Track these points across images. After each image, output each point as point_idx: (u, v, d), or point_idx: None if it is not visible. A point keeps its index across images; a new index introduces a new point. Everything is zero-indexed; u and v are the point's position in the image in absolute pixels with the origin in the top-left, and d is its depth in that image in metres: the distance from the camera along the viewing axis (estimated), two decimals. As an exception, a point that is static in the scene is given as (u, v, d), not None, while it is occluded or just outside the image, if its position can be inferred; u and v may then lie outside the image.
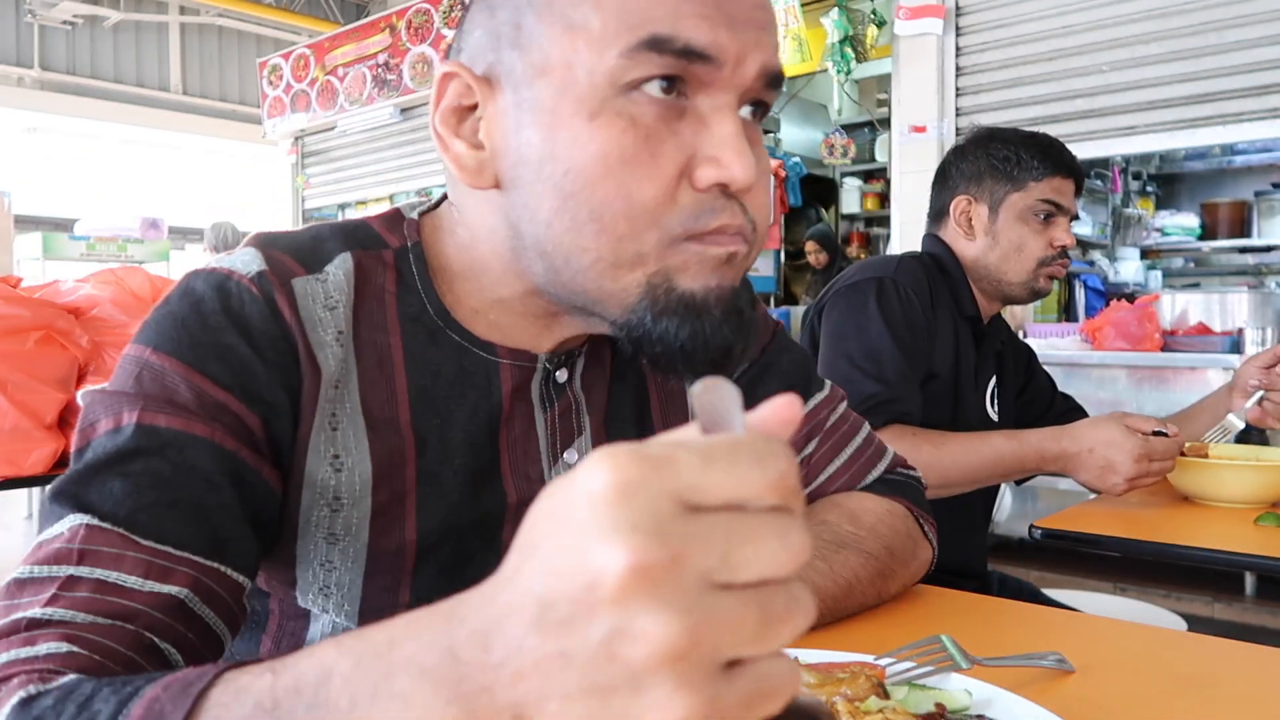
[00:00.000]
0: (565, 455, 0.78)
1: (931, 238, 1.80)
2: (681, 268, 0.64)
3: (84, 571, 0.55)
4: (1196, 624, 2.66)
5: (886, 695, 0.60)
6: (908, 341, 1.58)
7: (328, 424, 0.69)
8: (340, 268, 0.71)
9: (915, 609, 0.91)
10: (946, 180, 1.79)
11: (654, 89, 0.62)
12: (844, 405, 0.97)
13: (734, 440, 0.31)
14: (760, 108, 0.68)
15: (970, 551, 1.71)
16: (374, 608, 0.72)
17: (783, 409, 0.33)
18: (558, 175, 0.63)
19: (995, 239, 1.70)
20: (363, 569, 0.72)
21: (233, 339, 0.65)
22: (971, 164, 1.74)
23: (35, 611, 0.53)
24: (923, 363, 1.61)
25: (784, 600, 0.31)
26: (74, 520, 0.57)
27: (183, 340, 0.64)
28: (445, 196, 0.78)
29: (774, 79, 0.66)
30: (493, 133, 0.67)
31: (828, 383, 0.97)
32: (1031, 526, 1.43)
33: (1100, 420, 1.49)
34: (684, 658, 0.29)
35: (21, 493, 5.39)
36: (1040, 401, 1.93)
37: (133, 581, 0.56)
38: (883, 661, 0.67)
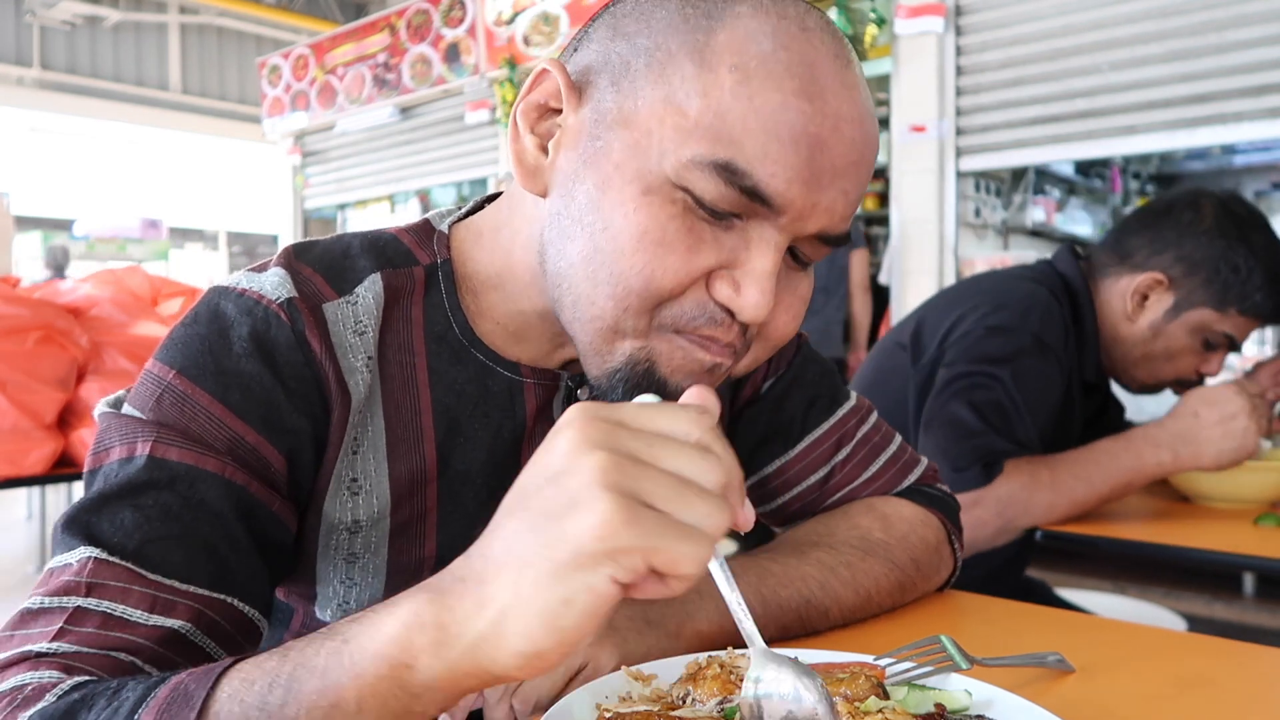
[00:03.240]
0: None
1: (1075, 265, 1.58)
2: (667, 355, 0.65)
3: (91, 604, 0.56)
4: (1196, 624, 2.66)
5: (886, 695, 0.60)
6: (1037, 407, 1.45)
7: (350, 448, 0.69)
8: (370, 290, 0.71)
9: (915, 609, 0.90)
10: (1160, 231, 1.52)
11: (701, 209, 0.61)
12: (875, 416, 0.97)
13: (661, 403, 0.47)
14: (804, 256, 0.67)
15: (1019, 565, 1.68)
16: None
17: (693, 395, 0.48)
18: (596, 228, 0.63)
19: (1155, 338, 1.52)
20: (383, 584, 0.73)
21: (257, 367, 0.65)
22: (1198, 246, 1.48)
23: (42, 645, 0.55)
24: (1043, 419, 1.48)
25: (698, 493, 0.42)
26: (84, 553, 0.58)
27: (207, 366, 0.64)
28: (478, 204, 0.79)
29: (829, 240, 0.66)
30: (560, 147, 0.66)
31: (854, 394, 0.97)
32: (1026, 531, 1.42)
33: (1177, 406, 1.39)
34: (610, 482, 0.40)
35: (21, 492, 5.39)
36: (1094, 402, 1.79)
37: (137, 615, 0.57)
38: (883, 662, 0.67)
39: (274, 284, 0.68)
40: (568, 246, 0.65)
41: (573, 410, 0.43)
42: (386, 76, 5.94)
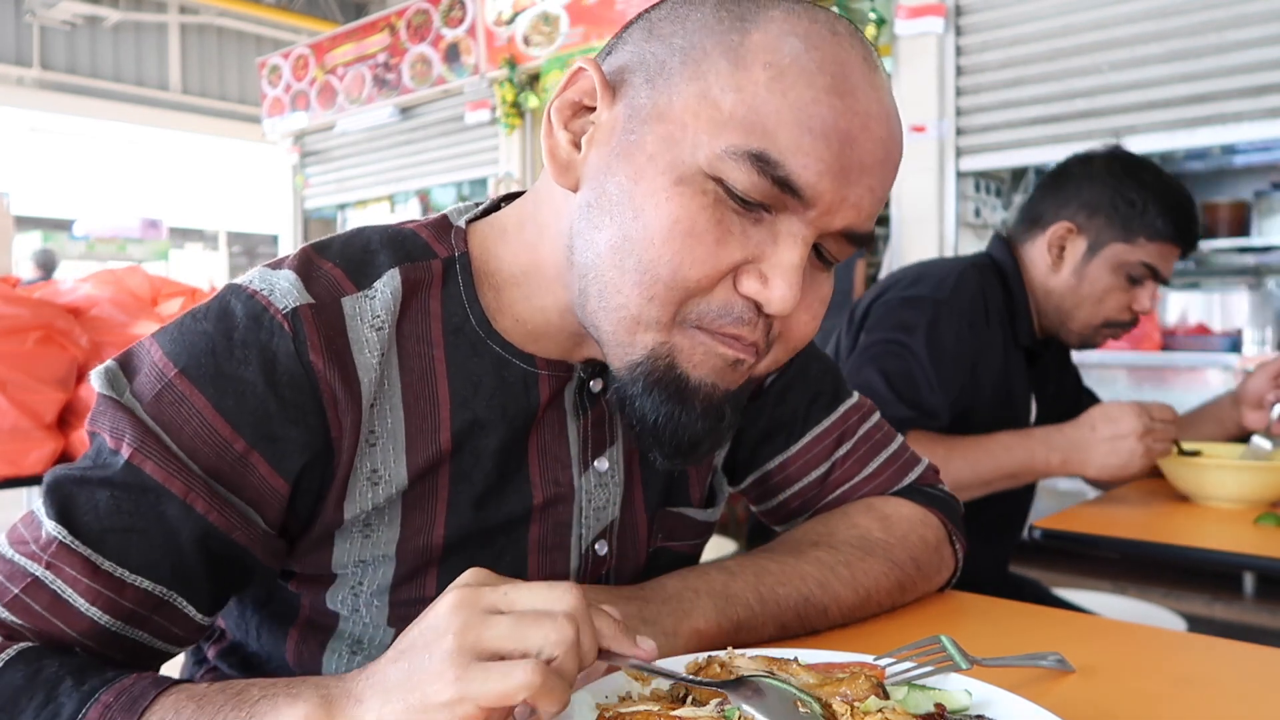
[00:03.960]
0: (596, 463, 0.80)
1: (1002, 244, 1.69)
2: (689, 351, 0.66)
3: (48, 579, 0.62)
4: (1196, 624, 2.66)
5: (886, 695, 0.60)
6: (948, 375, 1.51)
7: (367, 441, 0.70)
8: (388, 285, 0.72)
9: (915, 609, 0.90)
10: (1060, 190, 1.65)
11: (732, 200, 0.63)
12: (877, 416, 0.98)
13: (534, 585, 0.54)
14: (829, 255, 0.69)
15: (993, 560, 1.70)
16: (402, 601, 0.74)
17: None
18: (627, 217, 0.65)
19: (1080, 279, 1.60)
20: (393, 567, 0.73)
21: (254, 375, 0.66)
22: (1094, 190, 1.60)
23: None
24: (958, 395, 1.54)
25: (535, 620, 0.51)
26: (53, 529, 0.62)
27: (207, 368, 0.66)
28: (497, 203, 0.81)
29: (854, 238, 0.67)
30: (594, 143, 0.68)
31: (856, 393, 0.97)
32: (1031, 526, 1.43)
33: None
34: (456, 641, 0.50)
35: (21, 492, 5.39)
36: (1066, 398, 1.86)
37: (81, 605, 0.61)
38: (883, 662, 0.67)
39: (284, 290, 0.69)
40: (597, 236, 0.66)
41: (461, 579, 0.54)
42: (386, 76, 5.94)
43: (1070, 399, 1.87)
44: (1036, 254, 1.64)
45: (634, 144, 0.65)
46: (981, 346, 1.57)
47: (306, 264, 0.71)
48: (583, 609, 0.53)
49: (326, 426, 0.68)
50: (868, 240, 0.68)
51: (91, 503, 0.63)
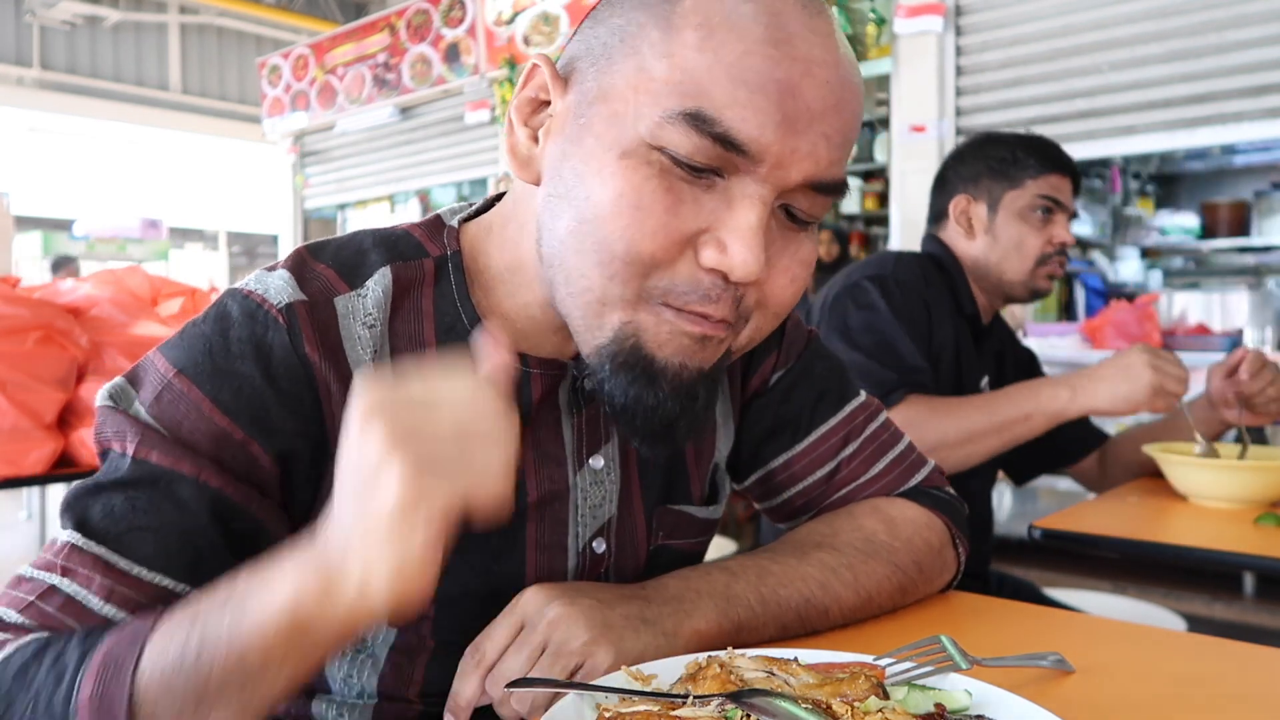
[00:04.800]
0: (590, 460, 0.80)
1: (931, 239, 1.81)
2: (653, 329, 0.66)
3: (64, 585, 0.62)
4: (1196, 624, 2.66)
5: (886, 695, 0.60)
6: (918, 329, 1.61)
7: None
8: (380, 283, 0.73)
9: (915, 609, 0.90)
10: (945, 184, 1.81)
11: (674, 159, 0.62)
12: (883, 416, 0.97)
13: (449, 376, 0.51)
14: (800, 213, 0.67)
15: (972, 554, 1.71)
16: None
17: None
18: (580, 199, 0.65)
19: (995, 237, 1.71)
20: None
21: (250, 369, 0.67)
22: (970, 166, 1.75)
23: (12, 616, 0.62)
24: (928, 350, 1.63)
25: (475, 438, 0.49)
26: (67, 536, 0.63)
27: (204, 366, 0.67)
28: (488, 203, 0.81)
29: (822, 187, 0.65)
30: (550, 134, 0.69)
31: (863, 392, 0.97)
32: (1031, 526, 1.42)
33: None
34: (396, 452, 0.47)
35: (20, 492, 5.39)
36: None
37: (95, 603, 0.62)
38: (883, 662, 0.67)
39: (278, 287, 0.70)
40: (558, 225, 0.67)
41: (364, 394, 0.50)
42: (386, 76, 5.94)
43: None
44: (952, 234, 1.77)
45: (583, 128, 0.66)
46: (932, 314, 1.66)
47: (300, 265, 0.73)
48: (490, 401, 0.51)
49: (322, 418, 0.69)
50: (839, 189, 0.67)
51: (106, 507, 0.64)
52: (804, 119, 0.62)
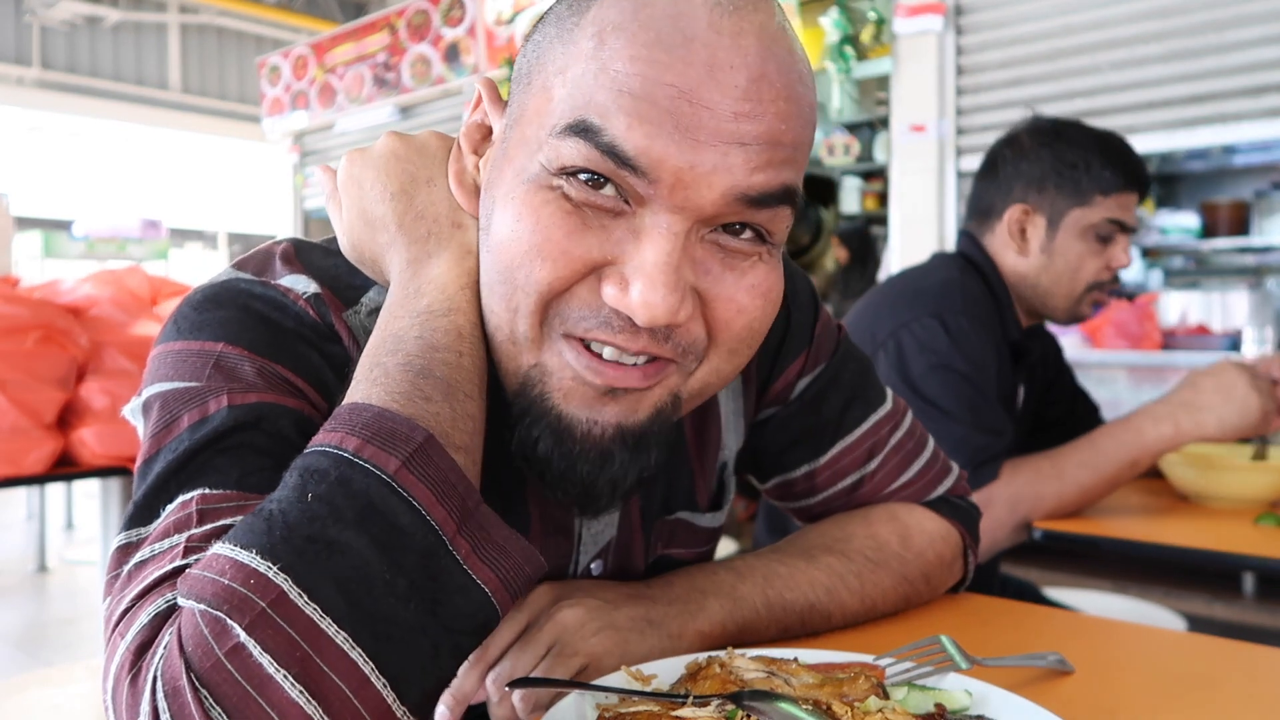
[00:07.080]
0: None
1: (971, 240, 1.63)
2: (557, 375, 0.60)
3: (206, 527, 0.55)
4: (1196, 624, 2.66)
5: (886, 695, 0.60)
6: (987, 374, 1.47)
7: None
8: (375, 301, 0.70)
9: (916, 609, 0.90)
10: (998, 176, 1.60)
11: (577, 184, 0.57)
12: (909, 419, 0.94)
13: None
14: (748, 228, 0.60)
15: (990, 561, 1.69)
16: None
17: None
18: (492, 232, 0.61)
19: (1051, 258, 1.55)
20: None
21: (304, 349, 0.65)
22: (1033, 164, 1.54)
23: (169, 566, 0.53)
24: (998, 394, 1.50)
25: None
26: (185, 496, 0.57)
27: (260, 337, 0.64)
28: None
29: (759, 200, 0.57)
30: (487, 163, 0.66)
31: (889, 394, 0.93)
32: (1032, 526, 1.42)
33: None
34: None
35: (20, 492, 5.39)
36: (1061, 403, 1.84)
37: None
38: (883, 662, 0.67)
39: (293, 280, 0.68)
40: (484, 261, 0.63)
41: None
42: (386, 76, 5.94)
43: (1066, 400, 1.87)
44: (999, 243, 1.60)
45: (504, 155, 0.62)
46: (990, 348, 1.53)
47: (300, 270, 0.70)
48: None
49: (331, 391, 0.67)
50: (782, 198, 0.58)
51: (212, 469, 0.58)
52: (706, 128, 0.55)
